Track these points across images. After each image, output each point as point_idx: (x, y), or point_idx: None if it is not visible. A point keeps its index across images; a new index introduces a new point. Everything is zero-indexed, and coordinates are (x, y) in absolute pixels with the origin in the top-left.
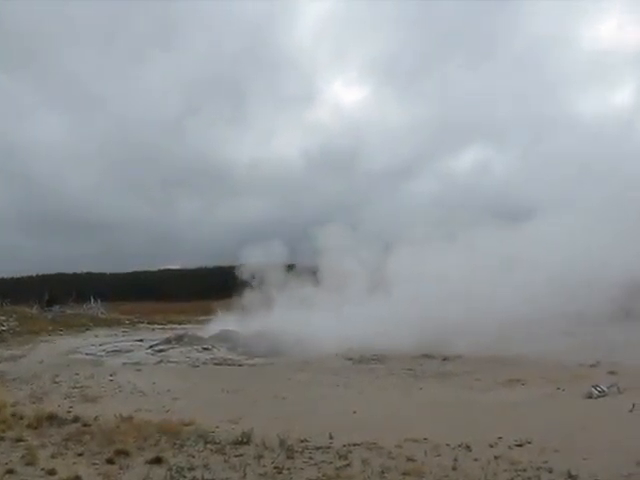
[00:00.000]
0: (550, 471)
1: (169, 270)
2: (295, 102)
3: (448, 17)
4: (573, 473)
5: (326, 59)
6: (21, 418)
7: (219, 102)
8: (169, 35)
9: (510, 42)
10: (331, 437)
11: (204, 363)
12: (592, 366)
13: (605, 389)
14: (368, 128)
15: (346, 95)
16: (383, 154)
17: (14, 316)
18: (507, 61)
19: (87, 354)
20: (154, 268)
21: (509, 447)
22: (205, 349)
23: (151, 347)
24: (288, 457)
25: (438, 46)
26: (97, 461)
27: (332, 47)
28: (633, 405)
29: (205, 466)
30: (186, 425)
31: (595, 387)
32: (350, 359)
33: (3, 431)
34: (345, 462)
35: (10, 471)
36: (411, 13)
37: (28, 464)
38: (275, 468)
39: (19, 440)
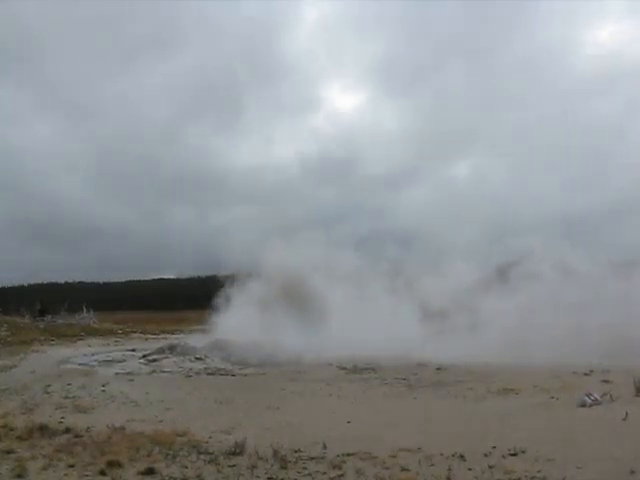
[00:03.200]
0: None
1: (162, 280)
2: (292, 109)
3: (447, 24)
4: None
5: (324, 65)
6: (12, 429)
7: (215, 109)
8: (164, 41)
9: (509, 48)
10: (325, 447)
11: (197, 373)
12: (585, 375)
13: (598, 398)
14: (365, 135)
15: (344, 102)
16: (380, 161)
17: (5, 326)
18: (506, 68)
19: (79, 364)
20: (147, 277)
21: (503, 456)
22: (198, 359)
23: (144, 357)
24: (282, 467)
25: (437, 52)
26: (89, 472)
27: (330, 53)
28: (626, 414)
29: (198, 477)
30: (179, 435)
31: (588, 396)
32: (344, 368)
33: None
34: (339, 472)
35: None
36: (411, 19)
37: (18, 476)
38: (269, 478)
39: (9, 452)
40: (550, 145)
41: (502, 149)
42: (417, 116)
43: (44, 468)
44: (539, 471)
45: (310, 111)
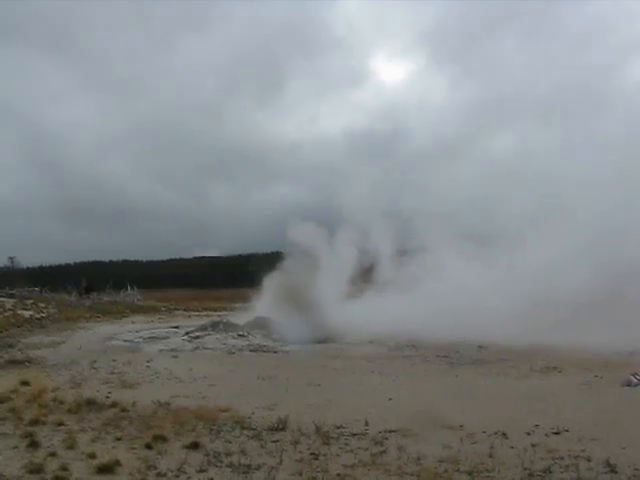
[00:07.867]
0: (588, 459)
1: (205, 257)
2: (338, 82)
3: None
4: (612, 462)
5: (370, 37)
6: (61, 403)
7: (258, 84)
8: (206, 14)
9: (562, 15)
10: (367, 424)
11: (240, 350)
12: (631, 354)
13: None
14: (414, 107)
15: (391, 74)
16: (428, 134)
17: (53, 303)
18: (563, 35)
19: (124, 341)
20: (190, 255)
21: (546, 435)
22: (240, 336)
23: (187, 334)
24: (324, 443)
25: (489, 19)
26: (135, 446)
27: (376, 24)
28: None
29: (242, 451)
30: (222, 411)
31: (634, 375)
32: (385, 346)
33: (45, 415)
34: (381, 449)
35: (52, 454)
36: None
37: (69, 448)
38: (311, 454)
39: (60, 424)
40: (603, 116)
41: (560, 122)
42: (467, 86)
43: (93, 440)
44: (583, 450)
45: (356, 84)
